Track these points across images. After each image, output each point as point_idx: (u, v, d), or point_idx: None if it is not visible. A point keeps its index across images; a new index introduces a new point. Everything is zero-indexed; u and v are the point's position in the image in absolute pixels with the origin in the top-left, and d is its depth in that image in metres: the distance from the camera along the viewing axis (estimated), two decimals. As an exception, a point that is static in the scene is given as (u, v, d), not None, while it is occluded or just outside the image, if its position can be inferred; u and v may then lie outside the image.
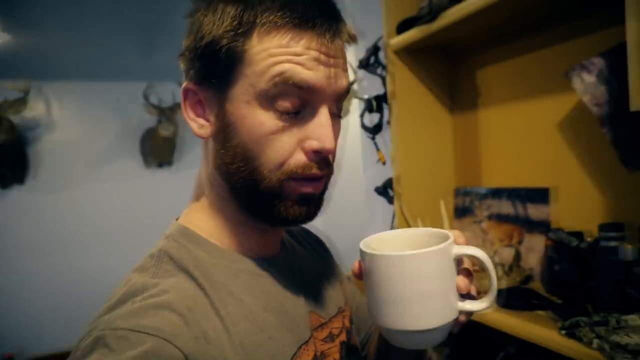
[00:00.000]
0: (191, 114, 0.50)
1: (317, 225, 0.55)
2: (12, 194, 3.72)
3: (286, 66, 0.45)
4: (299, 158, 0.48)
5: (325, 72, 0.46)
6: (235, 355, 0.44)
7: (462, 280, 0.44)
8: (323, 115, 0.48)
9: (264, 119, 0.46)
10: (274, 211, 0.49)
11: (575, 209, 1.11)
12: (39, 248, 3.66)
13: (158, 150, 4.07)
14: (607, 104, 0.92)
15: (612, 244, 0.89)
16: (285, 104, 0.46)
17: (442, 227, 1.27)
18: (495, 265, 1.24)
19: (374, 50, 1.41)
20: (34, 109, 3.78)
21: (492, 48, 1.32)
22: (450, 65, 1.46)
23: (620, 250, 0.87)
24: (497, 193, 1.33)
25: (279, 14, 0.45)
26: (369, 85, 1.83)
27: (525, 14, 1.09)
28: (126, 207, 3.93)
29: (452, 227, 1.32)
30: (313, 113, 0.48)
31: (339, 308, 0.63)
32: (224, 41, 0.45)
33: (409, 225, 1.37)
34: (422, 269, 0.42)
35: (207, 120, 0.50)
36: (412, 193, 1.38)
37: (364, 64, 1.40)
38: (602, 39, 1.00)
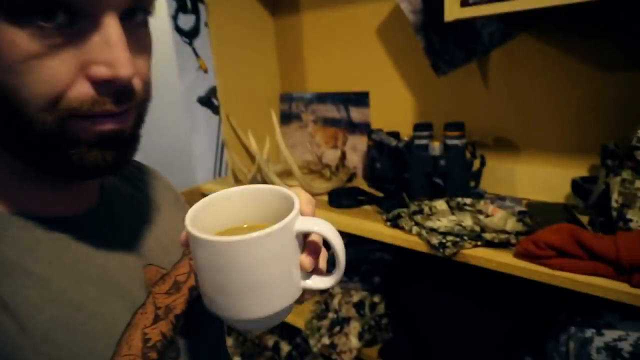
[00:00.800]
0: None
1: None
2: None
3: None
4: (83, 90, 0.34)
5: None
6: (39, 356, 0.35)
7: (305, 259, 0.39)
8: (110, 28, 0.34)
9: (17, 38, 0.31)
10: (63, 162, 0.37)
11: (391, 111, 1.22)
12: None
13: None
14: (422, 12, 0.98)
15: (423, 142, 1.02)
16: (47, 15, 0.32)
17: (274, 135, 1.25)
18: (324, 166, 1.32)
19: None
20: None
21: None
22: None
23: (429, 147, 1.00)
24: (321, 98, 1.36)
25: None
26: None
27: None
28: None
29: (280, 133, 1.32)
30: (94, 25, 0.34)
31: (184, 250, 0.55)
32: None
33: (237, 136, 1.33)
34: (259, 254, 0.35)
35: None
36: (239, 102, 1.31)
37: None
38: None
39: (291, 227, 0.37)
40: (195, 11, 1.27)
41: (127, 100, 0.37)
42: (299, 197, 0.40)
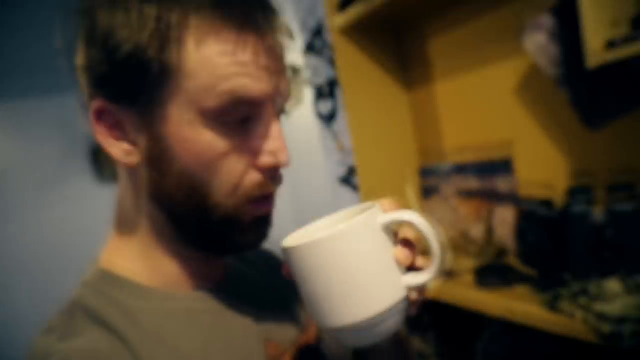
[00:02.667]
0: (110, 139, 0.41)
1: (288, 227, 0.47)
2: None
3: (235, 82, 0.38)
4: (254, 177, 0.42)
5: (273, 81, 0.41)
6: None
7: (400, 252, 0.38)
8: (274, 127, 0.42)
9: (211, 140, 0.39)
10: (227, 240, 0.44)
11: (540, 176, 1.08)
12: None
13: (111, 162, 3.87)
14: (562, 63, 0.88)
15: (582, 208, 0.86)
16: (232, 120, 0.40)
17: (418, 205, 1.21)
18: (470, 242, 1.21)
19: (318, 31, 1.33)
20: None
21: (438, 16, 1.27)
22: (400, 40, 1.40)
23: (590, 215, 0.84)
24: (462, 168, 1.29)
25: (215, 12, 0.37)
26: (320, 70, 1.76)
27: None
28: (84, 227, 3.74)
29: (421, 209, 1.27)
30: (262, 124, 0.42)
31: (302, 326, 0.55)
32: (151, 51, 0.37)
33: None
34: (347, 248, 0.35)
35: (134, 145, 0.41)
36: (376, 179, 1.32)
37: (309, 48, 1.32)
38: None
39: (374, 219, 0.37)
40: (333, 96, 1.36)
41: (281, 182, 0.45)
42: (382, 201, 0.40)
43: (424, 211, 1.38)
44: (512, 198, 1.14)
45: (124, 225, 0.46)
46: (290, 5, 2.16)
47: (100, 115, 0.41)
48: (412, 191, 1.16)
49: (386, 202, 0.40)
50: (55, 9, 0.42)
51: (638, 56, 0.69)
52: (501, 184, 1.18)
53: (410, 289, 0.38)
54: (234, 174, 0.41)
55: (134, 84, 0.39)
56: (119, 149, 0.41)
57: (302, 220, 0.45)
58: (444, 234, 1.14)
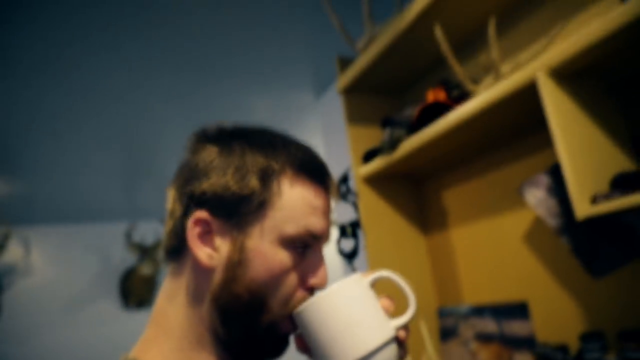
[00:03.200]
0: (198, 243, 0.50)
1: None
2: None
3: (311, 220, 0.51)
4: (300, 295, 0.51)
5: (327, 223, 0.54)
6: None
7: (384, 302, 0.50)
8: (319, 252, 0.54)
9: (283, 258, 0.50)
10: (264, 345, 0.51)
11: (555, 321, 1.10)
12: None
13: (138, 289, 3.96)
14: (560, 215, 0.99)
15: (596, 355, 0.87)
16: (298, 246, 0.51)
17: (425, 349, 1.22)
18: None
19: (344, 179, 1.51)
20: (12, 254, 3.73)
21: (451, 171, 1.43)
22: (418, 189, 1.56)
23: (605, 362, 0.85)
24: (478, 311, 1.31)
25: (303, 169, 0.52)
26: (343, 212, 1.91)
27: (470, 142, 1.22)
28: (104, 352, 3.69)
29: (436, 349, 1.26)
30: (314, 253, 0.53)
31: None
32: (255, 188, 0.50)
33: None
34: (345, 300, 0.47)
35: (215, 251, 0.51)
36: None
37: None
38: (550, 155, 1.10)
39: (361, 279, 0.50)
40: (355, 236, 1.48)
41: None
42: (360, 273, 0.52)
43: (441, 353, 1.37)
44: (529, 343, 1.14)
45: (165, 321, 0.53)
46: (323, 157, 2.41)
47: (197, 223, 0.51)
48: (425, 329, 1.17)
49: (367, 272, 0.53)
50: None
51: (621, 211, 0.79)
52: (516, 328, 1.19)
53: (398, 328, 0.49)
54: (289, 288, 0.51)
55: (236, 207, 0.50)
56: (204, 252, 0.50)
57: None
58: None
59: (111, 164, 3.01)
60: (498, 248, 1.28)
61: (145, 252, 3.81)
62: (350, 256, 1.47)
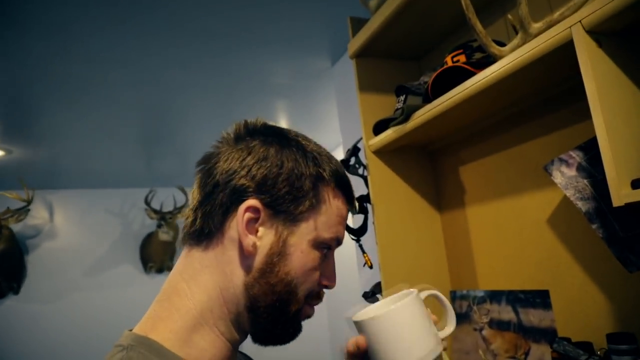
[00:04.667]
0: (245, 230, 0.54)
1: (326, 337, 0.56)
2: (5, 303, 3.61)
3: (340, 229, 0.59)
4: (318, 290, 0.59)
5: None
6: None
7: (432, 316, 0.59)
8: (333, 258, 0.61)
9: (315, 257, 0.57)
10: (286, 331, 0.57)
11: (579, 314, 0.99)
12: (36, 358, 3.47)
13: (158, 255, 4.01)
14: (592, 198, 0.86)
15: (626, 358, 0.77)
16: (325, 248, 0.58)
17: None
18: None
19: (354, 150, 1.40)
20: (36, 217, 3.81)
21: (471, 145, 1.30)
22: (432, 163, 1.44)
23: (635, 367, 0.74)
24: (495, 296, 1.21)
25: (341, 183, 0.60)
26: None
27: (493, 113, 1.08)
28: (125, 315, 3.81)
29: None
30: (331, 255, 0.61)
31: None
32: (308, 191, 0.56)
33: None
34: (411, 314, 0.56)
35: (258, 239, 0.55)
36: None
37: (345, 165, 1.38)
38: (581, 130, 0.97)
39: (419, 295, 0.58)
40: (363, 211, 1.38)
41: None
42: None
43: (452, 339, 1.28)
44: (549, 335, 1.04)
45: (179, 300, 0.54)
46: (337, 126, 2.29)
47: (248, 209, 0.54)
48: (449, 303, 1.09)
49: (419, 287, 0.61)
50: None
51: (666, 198, 0.66)
52: (534, 318, 1.09)
53: (443, 339, 0.58)
54: (313, 284, 0.57)
55: (288, 203, 0.55)
56: (250, 240, 0.54)
57: (335, 337, 0.52)
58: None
59: (130, 131, 3.00)
60: (519, 230, 1.16)
61: (163, 218, 3.83)
62: (358, 233, 1.38)
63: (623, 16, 0.68)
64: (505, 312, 1.18)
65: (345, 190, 0.60)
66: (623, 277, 0.88)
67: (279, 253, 0.54)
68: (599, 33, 0.72)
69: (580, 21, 0.71)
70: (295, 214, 0.55)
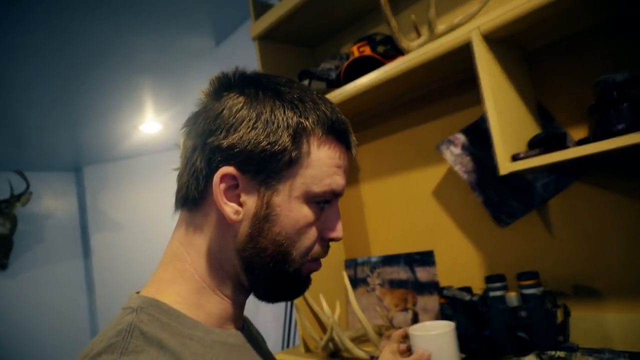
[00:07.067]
0: (224, 198, 0.51)
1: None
2: None
3: (335, 179, 0.54)
4: (318, 247, 0.56)
5: (346, 179, 0.57)
6: None
7: None
8: (336, 207, 0.57)
9: (307, 213, 0.53)
10: (289, 288, 0.57)
11: (458, 267, 1.23)
12: None
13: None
14: (474, 171, 1.08)
15: (499, 293, 0.99)
16: (320, 202, 0.54)
17: (342, 301, 1.27)
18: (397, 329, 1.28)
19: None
20: None
21: (369, 127, 1.47)
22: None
23: (506, 298, 0.97)
24: (387, 260, 1.40)
25: (331, 130, 0.53)
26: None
27: (393, 98, 1.25)
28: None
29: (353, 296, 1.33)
30: (332, 208, 0.57)
31: None
32: (286, 145, 0.50)
33: (308, 304, 1.36)
34: (453, 337, 0.84)
35: (240, 206, 0.52)
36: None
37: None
38: (466, 116, 1.19)
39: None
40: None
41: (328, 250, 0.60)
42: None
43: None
44: (432, 288, 1.26)
45: (181, 265, 0.54)
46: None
47: (223, 178, 0.51)
48: (347, 278, 1.23)
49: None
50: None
51: (534, 168, 0.89)
52: (422, 275, 1.30)
53: None
54: (310, 240, 0.54)
55: (265, 163, 0.51)
56: (230, 208, 0.51)
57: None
58: (368, 322, 1.21)
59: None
60: (407, 202, 1.36)
61: (-3, 208, 3.26)
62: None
63: (510, 27, 0.88)
64: (397, 273, 1.37)
65: (339, 135, 0.54)
66: (494, 232, 1.13)
67: (265, 216, 0.51)
68: (491, 39, 0.92)
69: (478, 27, 0.90)
70: (275, 171, 0.51)
